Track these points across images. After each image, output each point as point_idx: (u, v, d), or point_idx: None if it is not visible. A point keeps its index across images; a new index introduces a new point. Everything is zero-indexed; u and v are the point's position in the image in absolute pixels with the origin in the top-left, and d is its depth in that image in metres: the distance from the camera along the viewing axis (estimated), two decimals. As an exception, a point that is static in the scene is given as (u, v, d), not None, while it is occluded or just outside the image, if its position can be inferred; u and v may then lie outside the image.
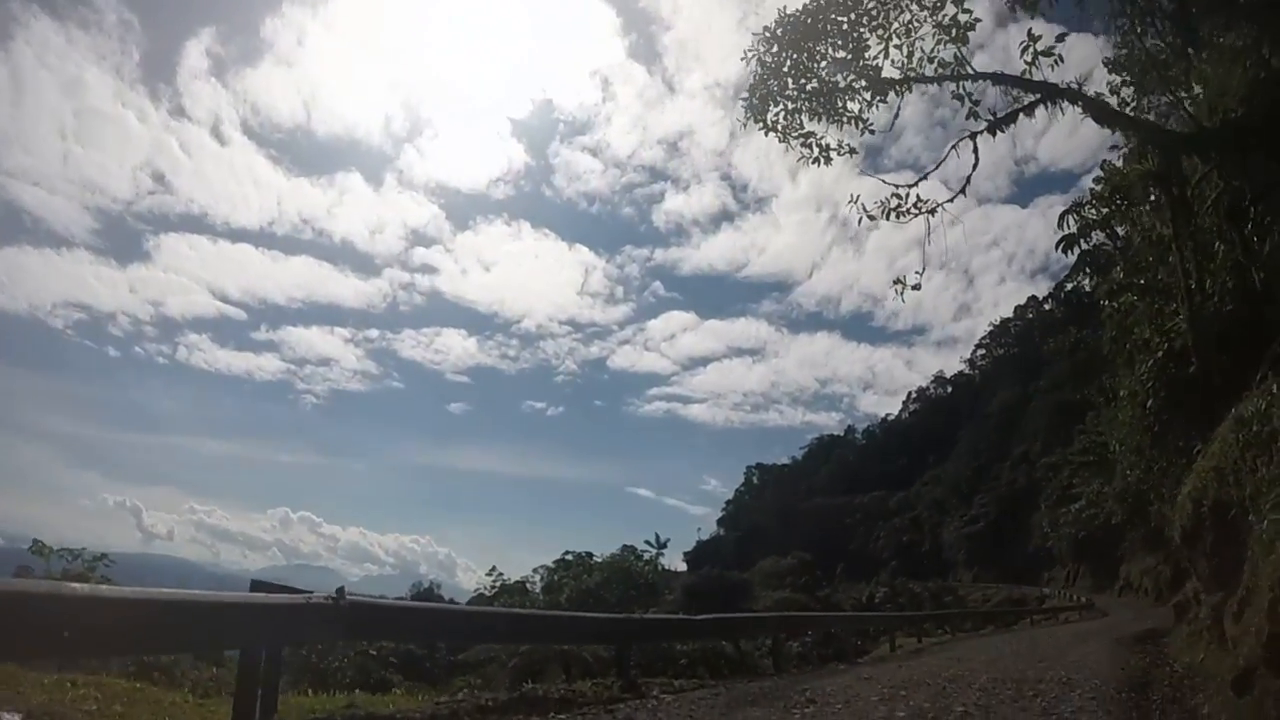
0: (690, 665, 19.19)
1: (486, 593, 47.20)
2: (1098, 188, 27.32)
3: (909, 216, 18.96)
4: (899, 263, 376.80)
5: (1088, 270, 27.60)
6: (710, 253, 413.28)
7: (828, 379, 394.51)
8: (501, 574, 43.07)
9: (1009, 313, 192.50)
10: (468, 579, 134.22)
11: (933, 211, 18.85)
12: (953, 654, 20.91)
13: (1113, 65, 21.59)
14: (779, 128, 18.66)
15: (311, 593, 7.93)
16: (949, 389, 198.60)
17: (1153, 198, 21.64)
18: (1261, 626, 8.98)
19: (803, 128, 18.79)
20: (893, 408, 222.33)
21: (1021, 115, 18.18)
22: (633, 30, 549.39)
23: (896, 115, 19.26)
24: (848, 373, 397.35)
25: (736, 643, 21.81)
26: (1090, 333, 59.62)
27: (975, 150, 18.69)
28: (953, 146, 19.06)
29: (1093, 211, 27.44)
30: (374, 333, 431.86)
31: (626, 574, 41.27)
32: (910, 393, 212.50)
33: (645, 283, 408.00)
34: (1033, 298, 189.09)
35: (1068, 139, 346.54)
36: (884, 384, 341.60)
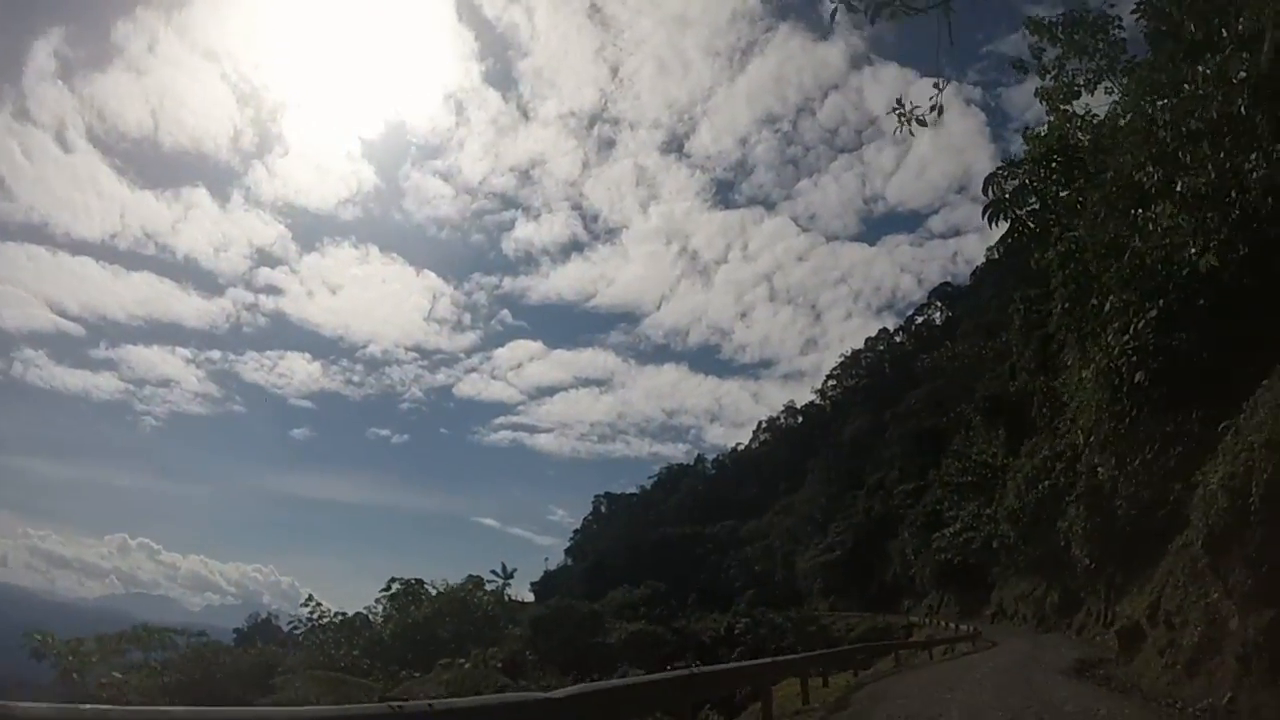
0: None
1: (307, 625, 41.23)
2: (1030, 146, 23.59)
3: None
4: (746, 297, 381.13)
5: (1022, 234, 23.29)
6: (559, 282, 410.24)
7: (675, 410, 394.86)
8: (319, 603, 37.67)
9: (857, 346, 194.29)
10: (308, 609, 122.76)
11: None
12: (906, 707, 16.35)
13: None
14: None
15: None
16: (799, 419, 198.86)
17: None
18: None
19: None
20: (739, 439, 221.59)
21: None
22: (489, 55, 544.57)
23: None
24: (695, 404, 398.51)
25: None
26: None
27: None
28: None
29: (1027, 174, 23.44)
30: (216, 354, 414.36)
31: (463, 606, 35.56)
32: (760, 422, 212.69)
33: (493, 311, 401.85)
34: (884, 330, 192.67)
35: (916, 179, 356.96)
36: (730, 416, 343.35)
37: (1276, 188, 14.02)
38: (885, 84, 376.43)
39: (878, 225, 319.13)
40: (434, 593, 40.80)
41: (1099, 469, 21.14)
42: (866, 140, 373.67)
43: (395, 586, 41.54)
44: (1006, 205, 23.70)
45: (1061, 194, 23.00)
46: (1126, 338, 16.55)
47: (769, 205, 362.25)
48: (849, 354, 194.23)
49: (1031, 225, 23.68)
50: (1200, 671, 15.50)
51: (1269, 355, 14.98)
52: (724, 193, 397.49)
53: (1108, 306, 17.42)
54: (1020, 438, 53.49)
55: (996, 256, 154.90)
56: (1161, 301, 16.14)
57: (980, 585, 64.43)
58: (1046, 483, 39.75)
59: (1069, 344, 20.54)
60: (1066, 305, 19.81)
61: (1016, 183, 23.79)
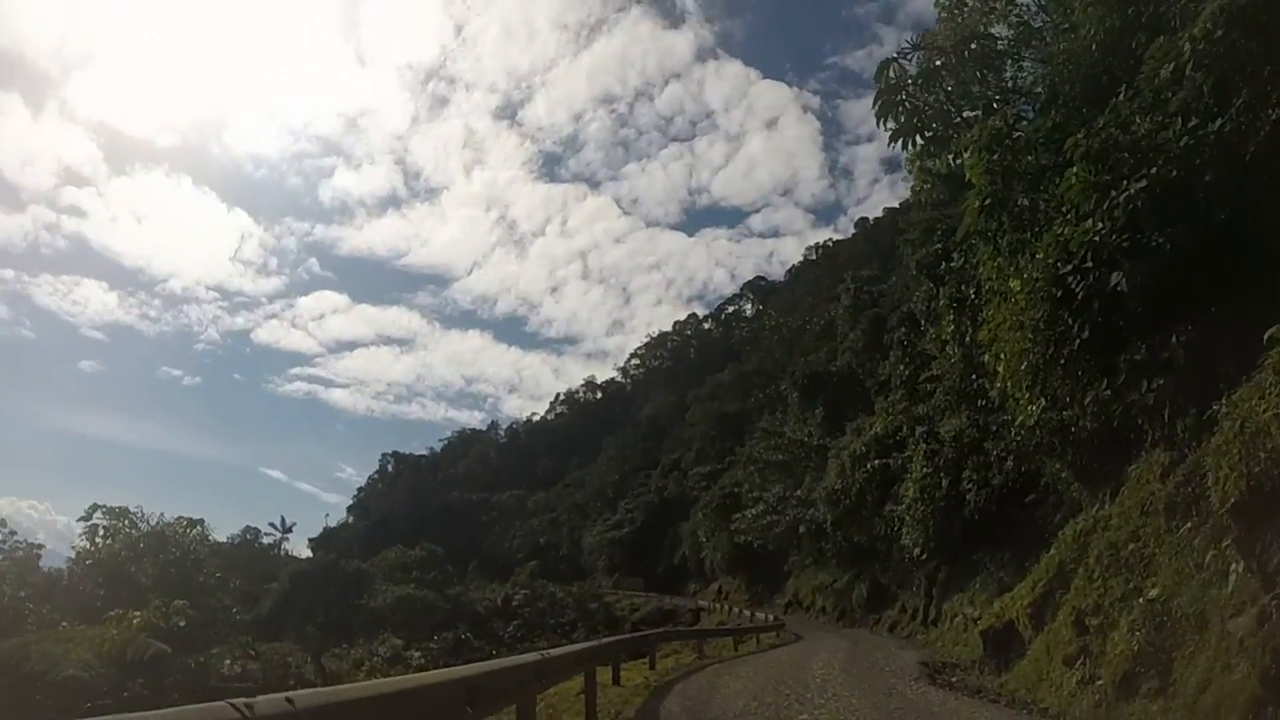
0: None
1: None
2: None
3: None
4: (559, 272, 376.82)
5: (921, 131, 18.68)
6: (373, 236, 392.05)
7: (474, 378, 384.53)
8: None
9: (665, 329, 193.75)
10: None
11: None
12: None
13: None
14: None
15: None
16: (599, 394, 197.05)
17: None
18: None
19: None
20: (537, 412, 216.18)
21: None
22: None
23: None
24: (495, 374, 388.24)
25: None
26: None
27: None
28: None
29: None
30: (9, 273, 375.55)
31: (165, 545, 28.81)
32: (559, 394, 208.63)
33: (301, 258, 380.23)
34: (693, 315, 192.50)
35: (743, 178, 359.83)
36: (530, 389, 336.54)
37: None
38: (727, 80, 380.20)
39: (699, 217, 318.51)
40: (145, 528, 33.80)
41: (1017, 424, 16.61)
42: (700, 132, 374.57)
43: (98, 515, 33.75)
44: (904, 99, 19.18)
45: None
46: (1091, 224, 11.85)
47: (594, 184, 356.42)
48: (656, 335, 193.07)
49: (933, 125, 19.25)
50: (1139, 691, 11.36)
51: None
52: (551, 166, 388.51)
53: (1068, 184, 12.72)
54: (840, 418, 50.35)
55: (814, 258, 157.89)
56: (1155, 170, 11.44)
57: (775, 573, 61.48)
58: (877, 461, 35.92)
59: (984, 262, 15.73)
60: (987, 203, 15.07)
61: (920, 69, 19.35)
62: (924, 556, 30.37)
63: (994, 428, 23.47)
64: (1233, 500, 9.03)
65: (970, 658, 20.96)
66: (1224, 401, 9.44)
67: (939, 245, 28.80)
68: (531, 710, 9.97)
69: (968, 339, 21.76)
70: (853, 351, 55.11)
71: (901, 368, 32.99)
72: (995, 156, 15.44)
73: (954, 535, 28.05)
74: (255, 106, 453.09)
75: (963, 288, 21.72)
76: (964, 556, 28.41)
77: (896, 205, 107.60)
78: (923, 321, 33.33)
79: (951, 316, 22.53)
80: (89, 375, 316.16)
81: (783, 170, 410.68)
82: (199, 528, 41.82)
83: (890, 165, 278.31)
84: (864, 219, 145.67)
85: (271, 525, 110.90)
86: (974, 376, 22.56)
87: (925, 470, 28.45)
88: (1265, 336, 8.98)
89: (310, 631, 61.16)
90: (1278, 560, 8.64)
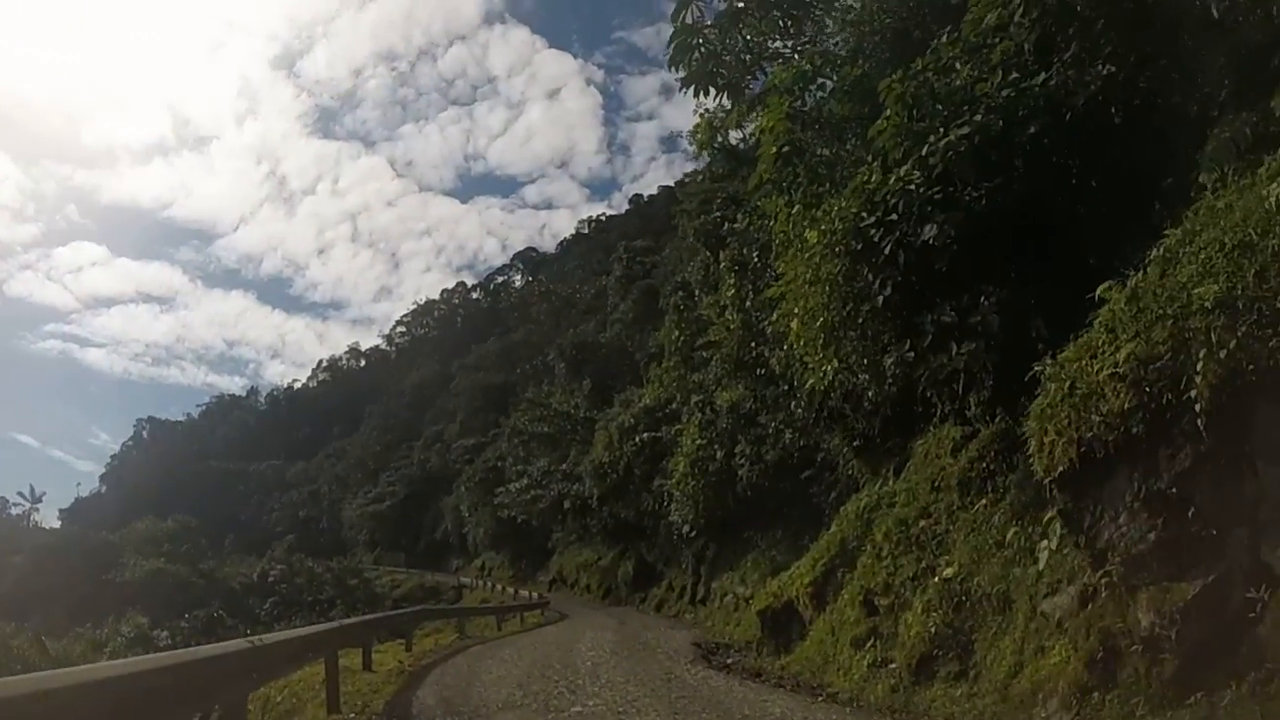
0: None
1: None
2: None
3: None
4: (328, 233, 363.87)
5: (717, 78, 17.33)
6: (136, 185, 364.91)
7: (236, 341, 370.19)
8: None
9: (433, 297, 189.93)
10: None
11: None
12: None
13: None
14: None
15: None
16: (362, 362, 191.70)
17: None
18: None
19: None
20: (300, 379, 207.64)
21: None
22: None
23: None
24: (258, 338, 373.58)
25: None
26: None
27: None
28: None
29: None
30: None
31: None
32: (321, 360, 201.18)
33: (60, 205, 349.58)
34: (461, 284, 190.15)
35: (520, 147, 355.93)
36: (294, 355, 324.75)
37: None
38: (513, 46, 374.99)
39: (473, 184, 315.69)
40: None
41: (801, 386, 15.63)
42: (481, 98, 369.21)
43: None
44: (700, 43, 17.80)
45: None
46: (903, 171, 10.85)
47: (369, 143, 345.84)
48: (422, 302, 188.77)
49: (728, 76, 17.97)
50: (938, 675, 10.65)
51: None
52: (326, 122, 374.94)
53: (879, 129, 11.67)
54: (608, 391, 49.53)
55: (587, 231, 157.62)
56: (976, 118, 10.51)
57: (539, 550, 60.32)
58: (647, 435, 35.00)
59: (778, 214, 14.62)
60: (784, 149, 13.94)
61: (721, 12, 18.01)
62: (693, 534, 29.57)
63: (773, 399, 22.64)
64: (1060, 469, 8.12)
65: (744, 638, 20.29)
66: (1047, 363, 8.50)
67: (718, 214, 28.00)
68: (240, 713, 7.87)
69: (748, 303, 20.86)
70: (623, 323, 54.36)
71: (676, 333, 31.92)
72: (796, 102, 14.34)
73: (725, 512, 27.33)
74: (15, 36, 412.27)
75: (745, 250, 20.79)
76: (734, 534, 27.79)
77: (672, 184, 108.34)
78: (697, 291, 32.51)
79: (732, 280, 21.60)
80: None
81: (561, 142, 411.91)
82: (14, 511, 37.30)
83: (668, 145, 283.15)
84: (638, 195, 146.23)
85: (20, 495, 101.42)
86: (753, 345, 21.68)
87: (698, 443, 27.53)
88: (1096, 294, 8.10)
89: (56, 611, 56.03)
90: (1109, 534, 7.78)
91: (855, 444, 18.05)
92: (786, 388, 19.78)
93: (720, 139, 20.51)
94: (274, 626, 43.42)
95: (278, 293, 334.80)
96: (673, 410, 33.71)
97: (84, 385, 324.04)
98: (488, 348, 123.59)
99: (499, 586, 56.72)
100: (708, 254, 28.82)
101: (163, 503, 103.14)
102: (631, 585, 40.50)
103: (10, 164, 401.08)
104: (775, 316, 14.88)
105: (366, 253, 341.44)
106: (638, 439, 35.71)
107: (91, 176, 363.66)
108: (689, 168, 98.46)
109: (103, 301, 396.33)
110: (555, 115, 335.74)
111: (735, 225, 21.63)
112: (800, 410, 19.45)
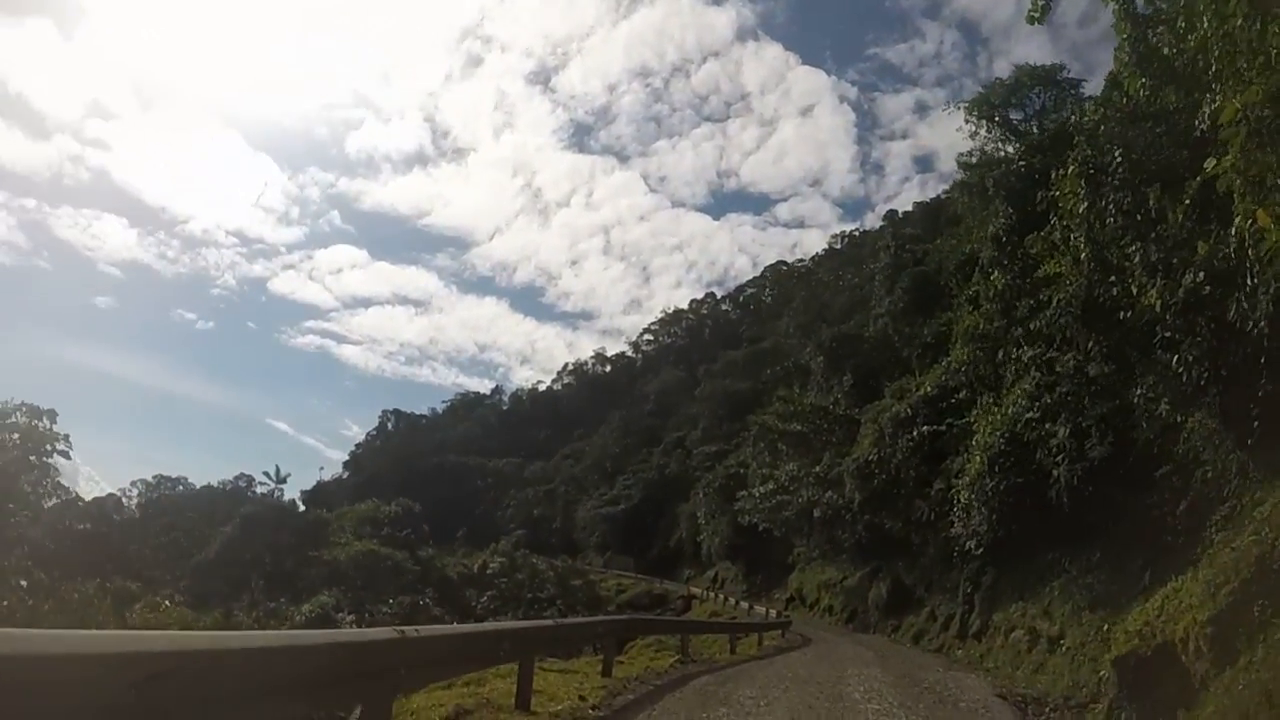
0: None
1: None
2: None
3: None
4: (581, 245, 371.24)
5: None
6: (396, 193, 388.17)
7: (487, 345, 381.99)
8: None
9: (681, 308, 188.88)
10: (88, 488, 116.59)
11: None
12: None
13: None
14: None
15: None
16: (607, 367, 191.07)
17: None
18: None
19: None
20: (544, 382, 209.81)
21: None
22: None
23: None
24: (508, 343, 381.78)
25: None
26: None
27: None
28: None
29: None
30: (30, 202, 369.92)
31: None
32: (567, 364, 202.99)
33: (323, 209, 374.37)
34: (710, 294, 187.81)
35: (773, 164, 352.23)
36: (542, 361, 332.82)
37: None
38: (765, 63, 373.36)
39: (725, 201, 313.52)
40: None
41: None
42: (734, 114, 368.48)
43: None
44: None
45: None
46: None
47: (622, 158, 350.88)
48: (671, 311, 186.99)
49: None
50: None
51: None
52: (581, 136, 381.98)
53: None
54: (869, 387, 43.55)
55: (839, 246, 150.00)
56: None
57: (777, 564, 55.11)
58: (926, 428, 28.80)
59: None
60: None
61: None
62: (980, 550, 23.18)
63: (1140, 368, 15.96)
64: None
65: (1059, 690, 15.36)
66: None
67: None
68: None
69: (1110, 221, 14.68)
70: (890, 315, 47.86)
71: (996, 274, 24.61)
72: None
73: (1022, 525, 20.91)
74: (290, 52, 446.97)
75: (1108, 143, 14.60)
76: (1029, 554, 21.38)
77: (927, 201, 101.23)
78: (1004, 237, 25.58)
79: (1082, 191, 15.39)
80: (103, 311, 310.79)
81: (814, 160, 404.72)
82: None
83: (922, 164, 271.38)
84: (892, 211, 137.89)
85: (265, 474, 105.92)
86: (1112, 280, 15.34)
87: (1029, 416, 20.87)
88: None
89: (255, 580, 55.45)
90: None
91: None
92: (1169, 334, 13.50)
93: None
94: (487, 621, 40.15)
95: (530, 301, 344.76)
96: (962, 399, 27.31)
97: (338, 379, 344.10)
98: (735, 354, 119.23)
99: (731, 600, 51.79)
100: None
101: (399, 491, 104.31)
102: (884, 610, 34.31)
103: (278, 171, 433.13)
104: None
105: (618, 265, 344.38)
106: (915, 432, 29.51)
107: (353, 184, 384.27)
108: (943, 187, 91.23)
109: (360, 301, 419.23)
110: (808, 132, 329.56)
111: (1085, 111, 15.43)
112: (1192, 367, 13.04)
